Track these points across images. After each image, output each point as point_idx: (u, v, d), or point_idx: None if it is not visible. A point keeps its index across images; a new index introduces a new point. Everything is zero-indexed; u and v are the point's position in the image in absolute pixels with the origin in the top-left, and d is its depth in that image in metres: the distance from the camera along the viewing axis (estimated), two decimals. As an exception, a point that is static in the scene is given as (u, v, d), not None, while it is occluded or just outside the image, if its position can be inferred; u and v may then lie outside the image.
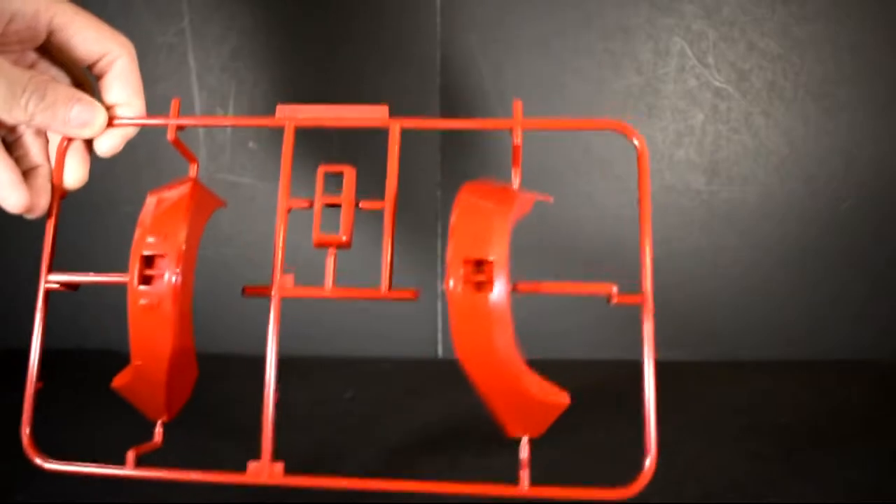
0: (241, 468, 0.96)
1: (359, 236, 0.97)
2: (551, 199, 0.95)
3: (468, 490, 0.92)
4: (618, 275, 1.91)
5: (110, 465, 0.97)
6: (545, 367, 1.80)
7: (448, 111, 1.77)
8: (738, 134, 1.77)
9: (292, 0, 1.79)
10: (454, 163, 1.79)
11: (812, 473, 1.15)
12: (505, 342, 0.81)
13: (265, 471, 0.94)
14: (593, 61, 1.77)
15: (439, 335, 1.84)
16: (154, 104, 1.82)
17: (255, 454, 0.96)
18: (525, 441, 0.94)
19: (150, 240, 0.87)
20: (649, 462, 0.89)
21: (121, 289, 1.87)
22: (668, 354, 1.82)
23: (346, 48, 1.78)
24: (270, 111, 1.83)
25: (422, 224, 1.81)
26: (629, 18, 1.76)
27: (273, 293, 0.96)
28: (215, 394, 1.56)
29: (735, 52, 1.75)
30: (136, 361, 0.93)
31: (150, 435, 1.07)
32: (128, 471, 0.97)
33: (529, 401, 0.88)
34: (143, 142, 1.82)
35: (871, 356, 1.79)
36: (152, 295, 0.86)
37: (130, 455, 0.97)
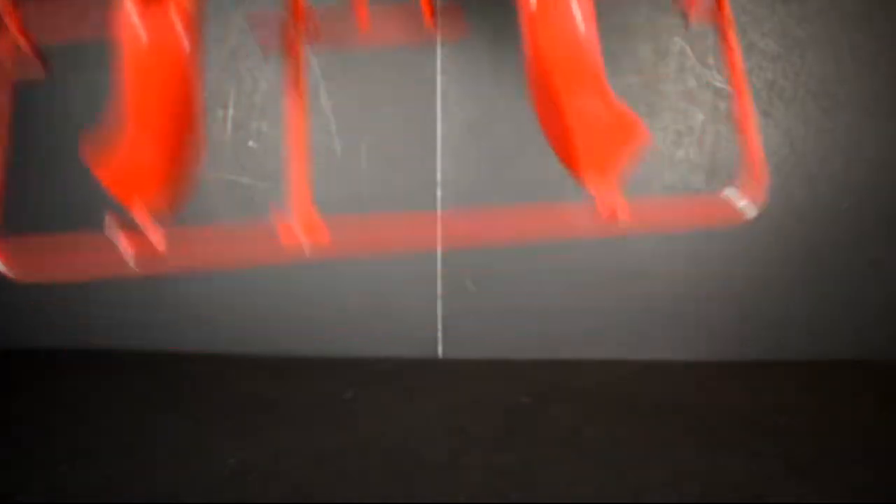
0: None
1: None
2: None
3: (550, 230, 0.89)
4: (617, 274, 1.91)
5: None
6: (546, 367, 1.78)
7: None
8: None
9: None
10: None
11: (812, 473, 1.15)
12: (586, 22, 0.77)
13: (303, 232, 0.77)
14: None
15: (439, 335, 1.84)
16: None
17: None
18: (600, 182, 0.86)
19: None
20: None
21: (122, 289, 1.84)
22: (668, 354, 1.82)
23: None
24: (270, 111, 1.83)
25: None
26: (629, 18, 1.76)
27: None
28: (215, 394, 1.56)
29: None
30: (129, 116, 0.75)
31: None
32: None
33: (606, 108, 0.82)
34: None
35: (871, 356, 1.79)
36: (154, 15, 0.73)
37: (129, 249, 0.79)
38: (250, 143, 1.82)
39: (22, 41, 0.83)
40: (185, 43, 0.73)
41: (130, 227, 0.81)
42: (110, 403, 1.51)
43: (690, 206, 0.86)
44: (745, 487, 1.08)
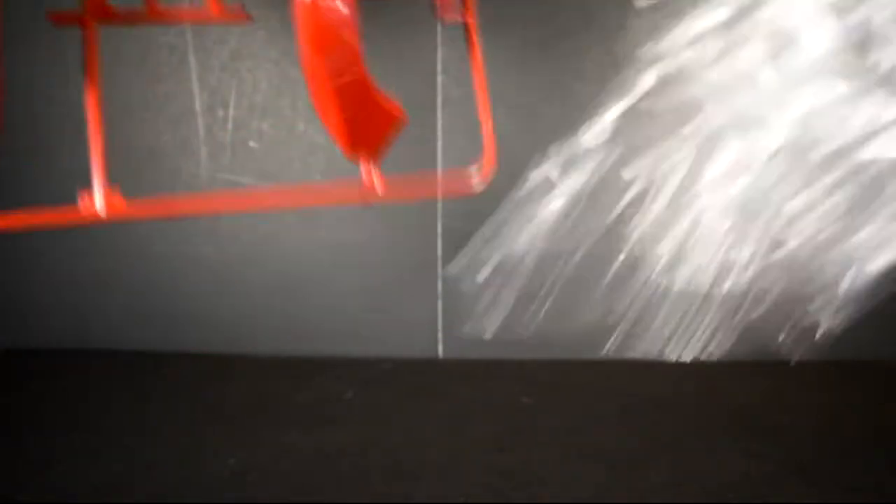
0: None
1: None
2: None
3: (318, 200, 0.95)
4: (617, 274, 1.90)
5: None
6: (546, 367, 1.78)
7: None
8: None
9: (290, 1, 1.79)
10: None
11: (812, 473, 1.15)
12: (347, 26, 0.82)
13: (102, 202, 0.85)
14: (593, 61, 1.77)
15: (439, 335, 1.84)
16: (155, 103, 1.82)
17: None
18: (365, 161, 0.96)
19: None
20: None
21: (123, 289, 1.84)
22: (668, 354, 1.82)
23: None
24: (271, 111, 1.83)
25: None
26: (629, 18, 1.76)
27: None
28: (215, 394, 1.57)
29: (735, 52, 1.75)
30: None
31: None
32: None
33: (369, 100, 0.90)
34: (142, 140, 1.83)
35: (870, 356, 1.79)
36: None
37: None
38: (251, 143, 1.82)
39: None
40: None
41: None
42: (110, 403, 1.51)
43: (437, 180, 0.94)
44: (745, 487, 1.08)
